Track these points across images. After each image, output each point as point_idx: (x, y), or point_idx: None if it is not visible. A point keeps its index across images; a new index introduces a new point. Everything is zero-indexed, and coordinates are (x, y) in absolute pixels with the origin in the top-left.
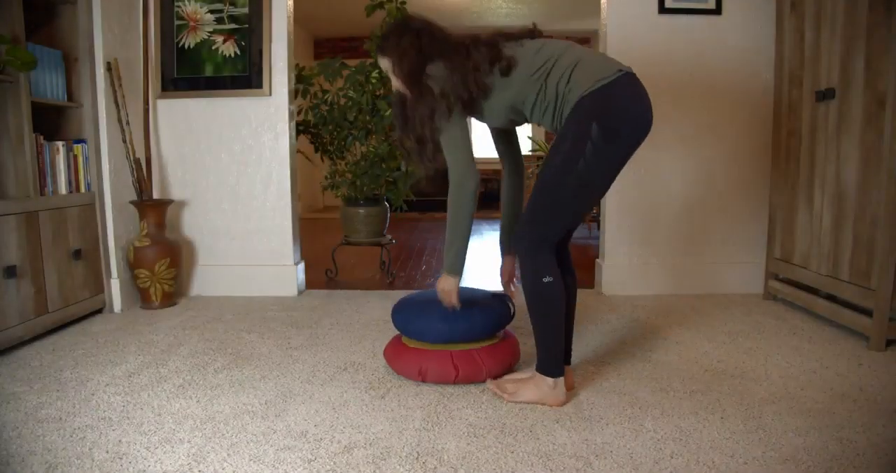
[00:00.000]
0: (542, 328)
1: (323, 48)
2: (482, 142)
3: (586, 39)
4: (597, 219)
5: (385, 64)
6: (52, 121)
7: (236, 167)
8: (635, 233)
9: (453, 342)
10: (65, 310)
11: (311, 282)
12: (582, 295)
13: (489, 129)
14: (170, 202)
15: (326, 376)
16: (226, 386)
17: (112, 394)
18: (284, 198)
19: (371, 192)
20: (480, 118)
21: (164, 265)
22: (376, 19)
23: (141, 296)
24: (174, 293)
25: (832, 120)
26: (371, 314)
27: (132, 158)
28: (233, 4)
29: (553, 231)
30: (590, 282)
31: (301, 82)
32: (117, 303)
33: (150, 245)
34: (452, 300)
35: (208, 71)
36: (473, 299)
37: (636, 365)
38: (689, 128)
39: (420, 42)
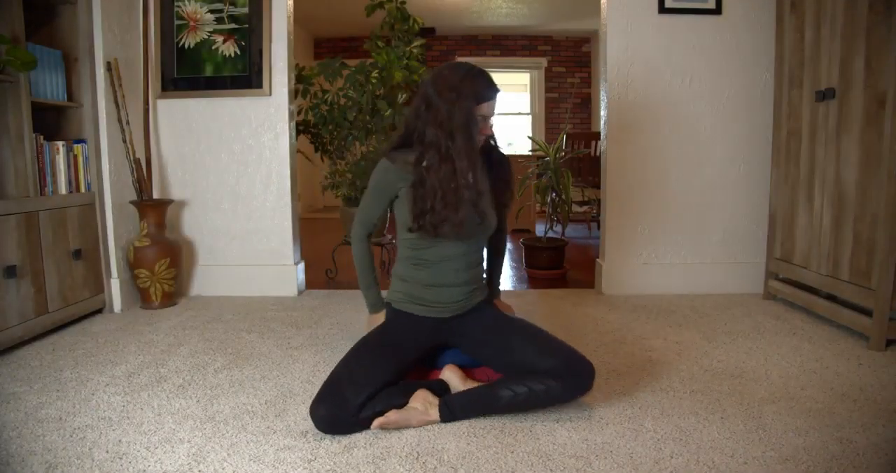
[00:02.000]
0: None
1: (323, 48)
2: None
3: (586, 39)
4: (597, 219)
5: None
6: (52, 121)
7: (236, 167)
8: (635, 232)
9: None
10: (65, 310)
11: (311, 282)
12: (582, 294)
13: None
14: (170, 202)
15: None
16: (226, 385)
17: (112, 394)
18: (284, 198)
19: None
20: None
21: (164, 265)
22: (376, 19)
23: (141, 296)
24: (174, 293)
25: (832, 120)
26: None
27: (132, 158)
28: (233, 4)
29: None
30: (590, 282)
31: (301, 82)
32: (117, 303)
33: (150, 245)
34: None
35: (208, 71)
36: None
37: (636, 365)
38: (689, 128)
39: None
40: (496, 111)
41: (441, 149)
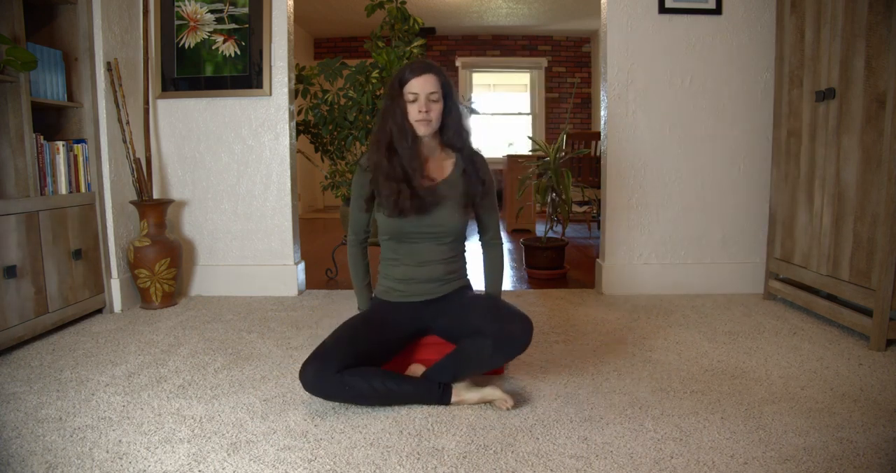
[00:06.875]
0: None
1: (323, 48)
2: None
3: (586, 39)
4: (597, 220)
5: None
6: (52, 121)
7: (236, 167)
8: (635, 233)
9: None
10: (65, 310)
11: (311, 282)
12: (582, 294)
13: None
14: (170, 202)
15: None
16: (226, 385)
17: (112, 394)
18: (284, 198)
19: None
20: None
21: (164, 265)
22: (376, 19)
23: (141, 296)
24: (174, 293)
25: (832, 120)
26: None
27: (132, 158)
28: (233, 4)
29: None
30: (590, 282)
31: (301, 82)
32: (117, 303)
33: (150, 245)
34: None
35: (208, 71)
36: None
37: (636, 365)
38: (689, 128)
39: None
40: (433, 90)
41: (377, 137)
